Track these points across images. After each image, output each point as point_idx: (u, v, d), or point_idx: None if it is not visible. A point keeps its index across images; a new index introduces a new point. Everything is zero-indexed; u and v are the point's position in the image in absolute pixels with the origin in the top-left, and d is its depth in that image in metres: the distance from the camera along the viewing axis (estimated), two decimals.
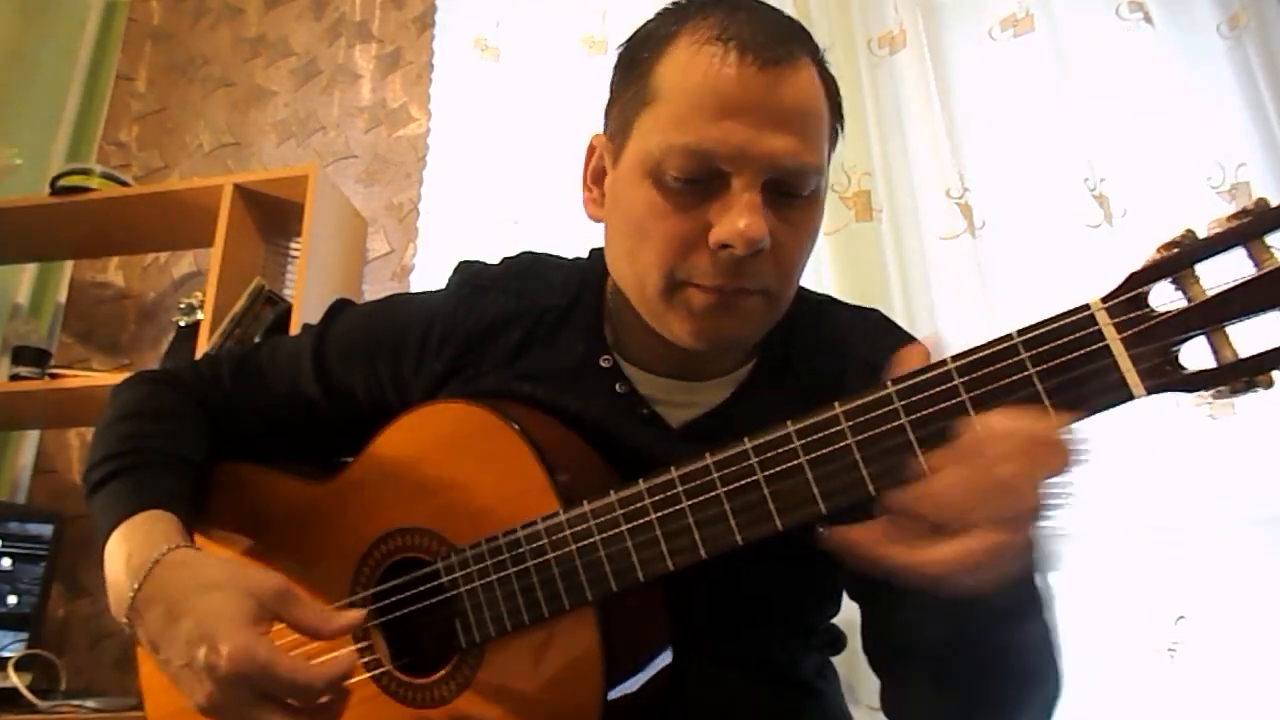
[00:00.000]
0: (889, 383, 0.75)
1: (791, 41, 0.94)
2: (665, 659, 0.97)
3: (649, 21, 1.03)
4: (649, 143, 0.94)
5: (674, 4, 1.01)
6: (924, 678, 0.95)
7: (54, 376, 2.58)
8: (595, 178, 1.08)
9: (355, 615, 0.94)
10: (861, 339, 1.12)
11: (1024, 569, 0.76)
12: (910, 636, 0.98)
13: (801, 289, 1.11)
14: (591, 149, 1.08)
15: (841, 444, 0.77)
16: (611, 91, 1.06)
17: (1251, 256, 0.62)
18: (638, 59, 1.00)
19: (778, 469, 0.81)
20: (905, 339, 1.16)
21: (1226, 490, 1.93)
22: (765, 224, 0.90)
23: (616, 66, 1.05)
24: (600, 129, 1.09)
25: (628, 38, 1.05)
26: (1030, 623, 0.84)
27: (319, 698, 0.87)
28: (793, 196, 0.94)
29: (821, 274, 2.28)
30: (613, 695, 0.89)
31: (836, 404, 0.78)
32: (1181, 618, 1.90)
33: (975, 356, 0.71)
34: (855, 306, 1.20)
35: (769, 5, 1.00)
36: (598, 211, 1.07)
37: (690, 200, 0.92)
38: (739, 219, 0.89)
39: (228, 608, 0.88)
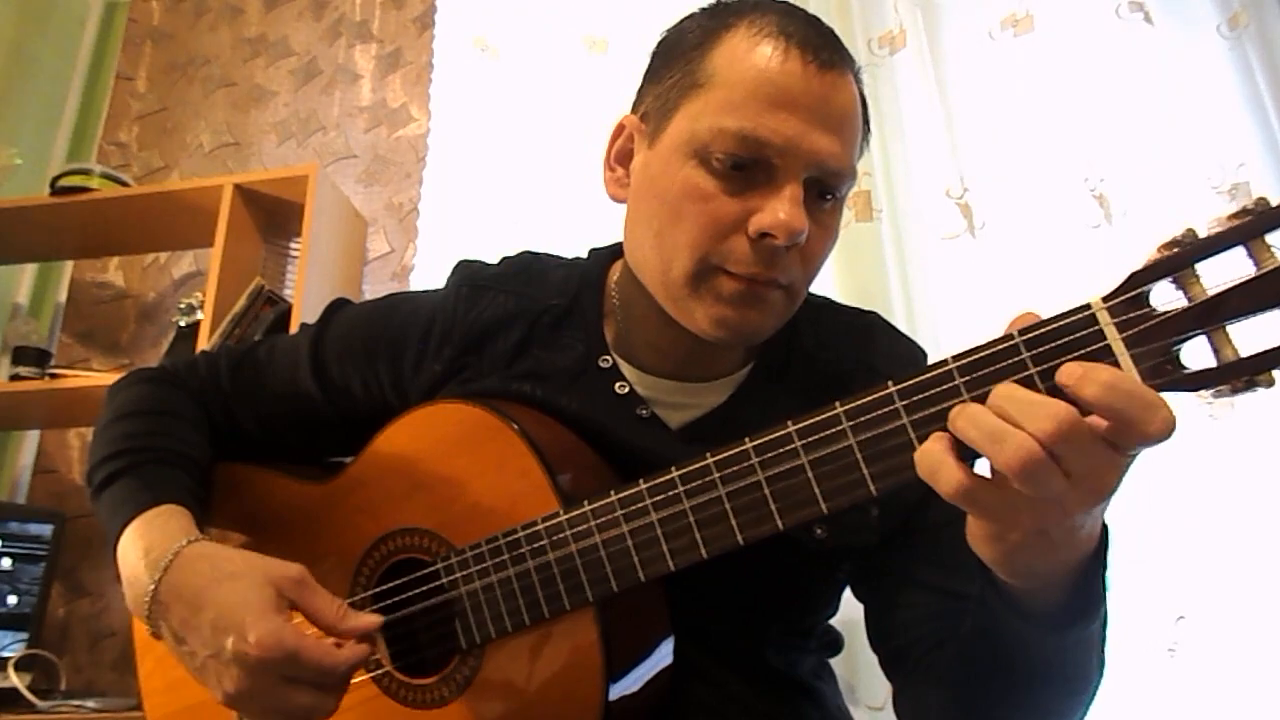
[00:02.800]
0: (889, 382, 0.75)
1: (842, 51, 0.97)
2: (665, 659, 0.97)
3: (695, 15, 1.04)
4: (697, 125, 0.95)
5: (722, 2, 1.03)
6: (942, 675, 0.95)
7: (54, 376, 2.58)
8: (620, 158, 1.08)
9: (371, 620, 0.94)
10: (860, 341, 1.13)
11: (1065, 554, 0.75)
12: (923, 631, 0.99)
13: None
14: (620, 129, 1.08)
15: (842, 443, 0.77)
16: (648, 75, 1.06)
17: (1251, 256, 0.62)
18: (686, 44, 1.01)
19: (779, 469, 0.81)
20: (904, 341, 1.17)
21: (1226, 490, 1.92)
22: (805, 218, 0.92)
23: (657, 52, 1.06)
24: (606, 130, 1.09)
25: (671, 26, 1.07)
26: (1066, 633, 0.81)
27: (342, 680, 0.89)
28: (823, 199, 0.96)
29: (822, 274, 2.27)
30: (613, 695, 0.89)
31: (837, 403, 0.78)
32: (1181, 618, 1.89)
33: (976, 356, 0.71)
34: (854, 309, 1.20)
35: (813, 15, 1.01)
36: (620, 192, 1.08)
37: (732, 185, 0.93)
38: (781, 209, 0.91)
39: (251, 595, 0.89)
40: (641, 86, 1.07)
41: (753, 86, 0.93)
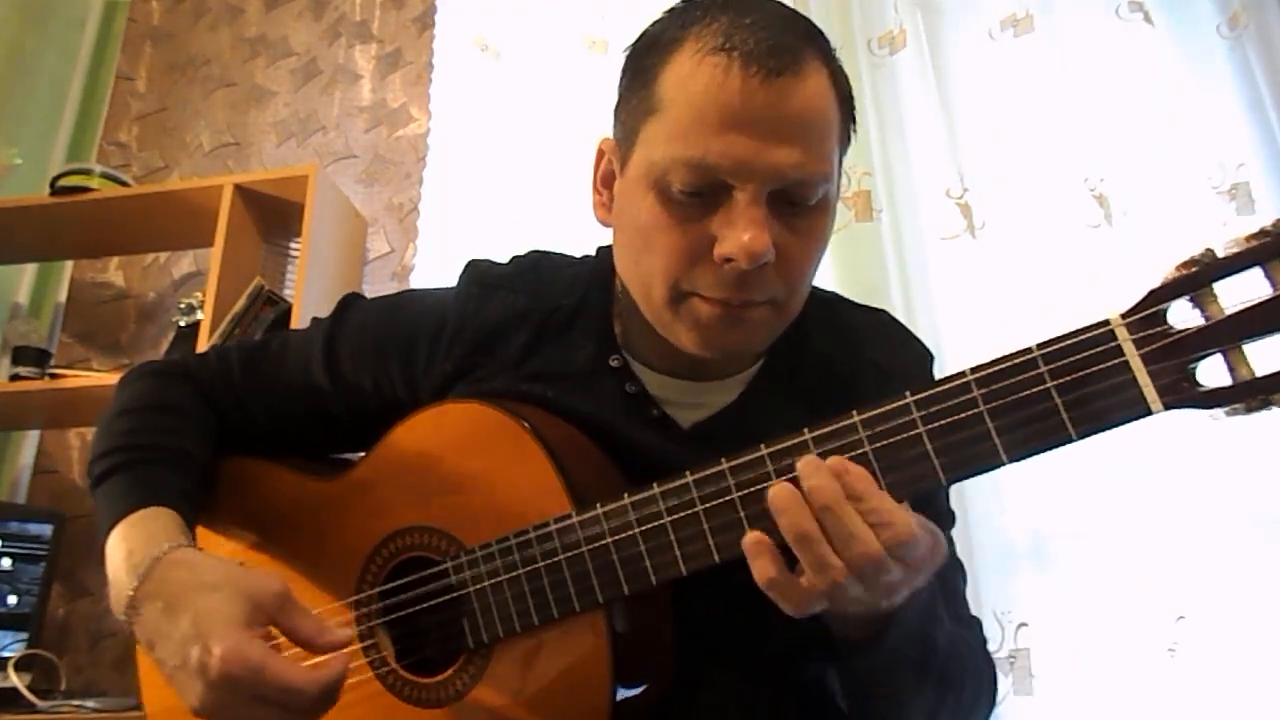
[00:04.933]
0: (908, 393, 0.75)
1: (799, 45, 0.92)
2: (674, 662, 0.97)
3: (656, 23, 1.01)
4: (653, 153, 0.93)
5: (681, 4, 1.00)
6: None
7: (54, 376, 2.59)
8: (605, 181, 1.07)
9: (343, 635, 0.92)
10: (871, 340, 1.13)
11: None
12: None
13: (811, 286, 1.11)
14: (601, 153, 1.07)
15: (858, 453, 0.77)
16: (619, 94, 1.04)
17: (1268, 276, 0.63)
18: (643, 64, 0.98)
19: (793, 476, 0.80)
20: (914, 341, 1.17)
21: (1226, 490, 1.93)
22: (769, 237, 0.89)
23: (624, 69, 1.04)
24: (607, 131, 1.08)
25: (635, 39, 1.04)
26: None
27: (311, 701, 0.87)
28: (799, 205, 0.93)
29: (822, 274, 2.26)
30: (620, 697, 0.89)
31: (854, 412, 0.78)
32: (1181, 618, 1.90)
33: (994, 369, 0.71)
34: (865, 307, 1.20)
35: (777, 3, 0.98)
36: (606, 215, 1.07)
37: (694, 212, 0.92)
38: (743, 233, 0.88)
39: (223, 608, 0.88)
40: (615, 106, 1.05)
41: (698, 111, 0.90)
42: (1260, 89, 2.14)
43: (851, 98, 0.99)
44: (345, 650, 0.92)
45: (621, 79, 1.04)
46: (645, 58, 0.98)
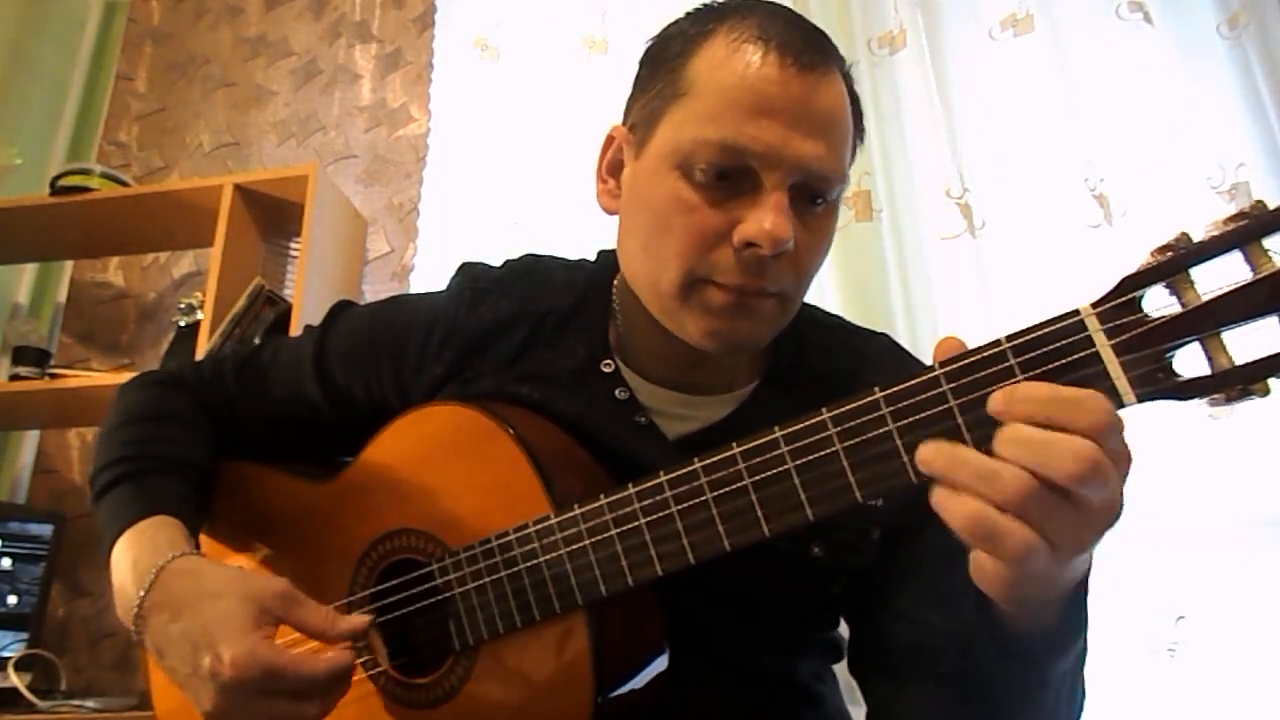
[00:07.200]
0: (876, 389, 0.74)
1: (826, 51, 0.96)
2: (660, 663, 0.96)
3: (680, 20, 1.03)
4: (679, 135, 0.94)
5: (707, 5, 1.02)
6: (918, 704, 0.94)
7: (54, 376, 2.59)
8: (611, 169, 1.07)
9: (360, 621, 0.94)
10: (871, 364, 1.12)
11: (1056, 589, 0.73)
12: (903, 660, 0.98)
13: (813, 309, 1.11)
14: (610, 140, 1.07)
15: (828, 450, 0.77)
16: (636, 84, 1.05)
17: (1248, 260, 0.61)
18: (669, 52, 0.99)
19: (765, 475, 0.80)
20: (913, 364, 1.15)
21: (1226, 490, 1.92)
22: (791, 226, 0.90)
23: (643, 60, 1.05)
24: (603, 127, 1.08)
25: (655, 36, 1.06)
26: (1048, 664, 0.80)
27: (322, 687, 0.88)
28: (813, 203, 0.95)
29: (822, 274, 2.25)
30: (603, 699, 0.89)
31: (824, 409, 0.77)
32: (1181, 618, 1.89)
33: (963, 362, 0.70)
34: (866, 330, 1.19)
35: (798, 13, 1.00)
36: (612, 203, 1.07)
37: (717, 196, 0.92)
38: (766, 219, 0.89)
39: (229, 614, 0.88)
40: (630, 96, 1.06)
41: (732, 94, 0.91)
42: (1260, 89, 2.13)
43: (861, 113, 1.02)
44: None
45: (640, 70, 1.05)
46: (671, 46, 1.00)
